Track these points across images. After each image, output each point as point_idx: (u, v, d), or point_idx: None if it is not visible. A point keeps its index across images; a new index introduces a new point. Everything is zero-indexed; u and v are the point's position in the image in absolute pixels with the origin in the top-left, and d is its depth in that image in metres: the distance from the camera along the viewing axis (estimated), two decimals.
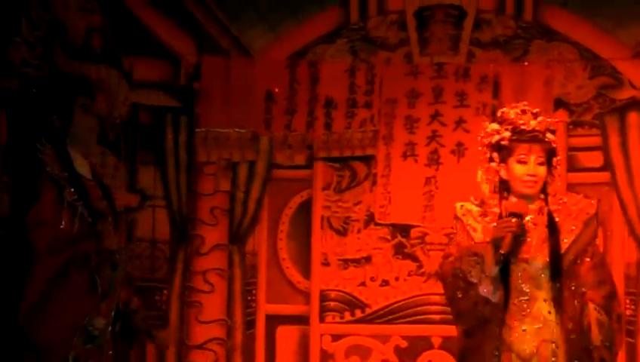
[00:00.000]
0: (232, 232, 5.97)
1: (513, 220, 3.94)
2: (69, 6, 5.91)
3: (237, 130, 5.97)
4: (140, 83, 5.93)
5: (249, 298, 5.95)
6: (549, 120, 4.13)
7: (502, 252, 3.91)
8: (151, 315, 5.85)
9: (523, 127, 4.04)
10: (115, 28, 5.98)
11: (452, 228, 4.25)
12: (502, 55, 5.99)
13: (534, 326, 3.97)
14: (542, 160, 4.03)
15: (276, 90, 5.98)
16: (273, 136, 5.99)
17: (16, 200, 3.95)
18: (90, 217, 3.92)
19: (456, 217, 4.14)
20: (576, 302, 3.98)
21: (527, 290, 3.99)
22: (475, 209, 4.10)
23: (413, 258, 5.94)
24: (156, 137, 5.98)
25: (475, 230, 4.07)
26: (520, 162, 4.03)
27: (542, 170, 4.04)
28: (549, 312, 3.99)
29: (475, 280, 3.94)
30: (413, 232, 5.94)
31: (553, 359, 3.95)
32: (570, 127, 5.91)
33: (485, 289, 3.93)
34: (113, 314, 3.89)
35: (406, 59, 6.02)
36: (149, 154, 5.97)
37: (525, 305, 3.98)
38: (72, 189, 3.90)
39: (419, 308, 5.91)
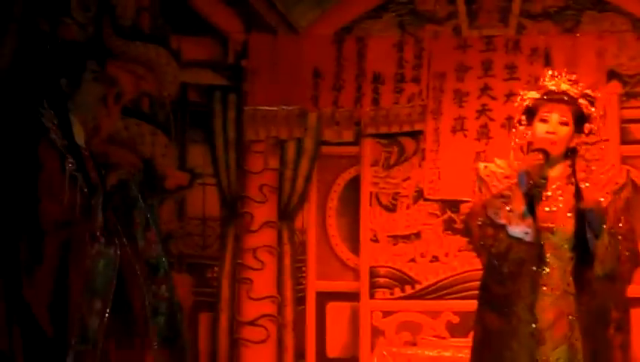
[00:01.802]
0: (281, 209, 5.99)
1: (539, 155, 3.89)
2: None
3: (285, 107, 5.98)
4: (189, 62, 5.95)
5: (299, 275, 5.98)
6: (587, 92, 4.07)
7: (532, 179, 3.83)
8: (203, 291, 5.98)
9: (551, 88, 4.01)
10: (164, 7, 6.01)
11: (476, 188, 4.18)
12: (553, 26, 5.90)
13: (553, 297, 3.92)
14: (565, 120, 3.96)
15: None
16: (321, 113, 5.98)
17: (15, 166, 3.79)
18: (88, 190, 3.79)
19: (480, 178, 4.05)
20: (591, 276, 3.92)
21: (549, 260, 3.94)
22: (500, 171, 4.05)
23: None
24: (205, 116, 6.02)
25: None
26: (542, 120, 3.97)
27: (564, 130, 3.96)
28: (568, 284, 3.93)
29: (503, 221, 3.84)
30: (464, 207, 5.87)
31: (569, 332, 3.91)
32: (624, 98, 5.81)
33: (516, 229, 3.84)
34: (108, 312, 3.74)
35: (455, 32, 5.96)
36: (198, 132, 6.02)
37: (546, 275, 3.93)
38: (72, 159, 3.77)
39: (470, 284, 5.85)
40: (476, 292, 5.68)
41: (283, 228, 5.99)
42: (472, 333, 5.72)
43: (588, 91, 4.06)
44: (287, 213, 6.00)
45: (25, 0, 5.74)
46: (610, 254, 3.92)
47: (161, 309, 3.90)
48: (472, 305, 5.78)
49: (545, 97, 4.00)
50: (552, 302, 3.91)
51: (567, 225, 3.95)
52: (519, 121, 4.06)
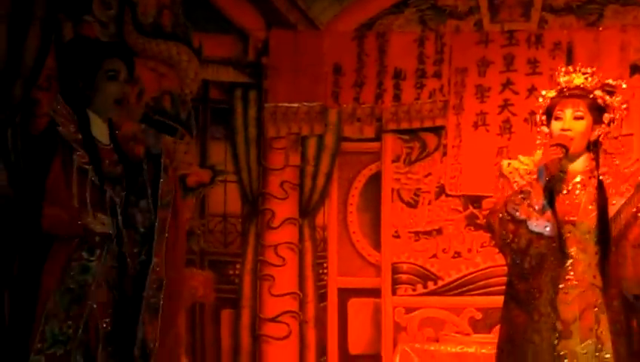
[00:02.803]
0: (303, 206, 5.99)
1: (557, 150, 3.90)
2: None
3: (305, 103, 5.98)
4: (210, 59, 5.97)
5: (320, 271, 5.98)
6: (609, 81, 4.06)
7: (550, 173, 3.85)
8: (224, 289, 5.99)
9: (566, 84, 4.03)
10: (185, 5, 6.03)
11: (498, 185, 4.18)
12: (575, 20, 5.86)
13: (578, 290, 3.91)
14: (580, 114, 3.97)
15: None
16: (342, 109, 5.98)
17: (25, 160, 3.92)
18: (100, 182, 3.82)
19: (502, 174, 4.08)
20: (617, 271, 3.91)
21: (573, 254, 3.92)
22: (523, 167, 4.05)
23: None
24: (226, 113, 6.03)
25: None
26: (557, 118, 4.00)
27: (579, 125, 3.97)
28: (594, 277, 3.92)
29: (523, 216, 3.87)
30: (486, 203, 5.84)
31: (596, 325, 3.89)
32: None
33: (535, 223, 3.86)
34: (84, 318, 3.75)
35: (476, 27, 5.93)
36: (220, 130, 6.03)
37: (570, 269, 3.91)
38: (84, 152, 3.81)
39: (492, 280, 5.84)
40: (499, 288, 5.76)
41: (304, 225, 5.99)
42: (495, 329, 5.79)
43: (608, 81, 4.05)
44: (308, 210, 6.00)
45: None
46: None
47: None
48: (495, 301, 5.80)
49: (560, 94, 4.01)
50: (578, 295, 3.91)
51: (589, 217, 3.95)
52: (541, 121, 4.09)
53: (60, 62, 4.04)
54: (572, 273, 3.93)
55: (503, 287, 5.68)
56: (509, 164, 4.09)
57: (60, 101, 3.90)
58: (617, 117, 4.07)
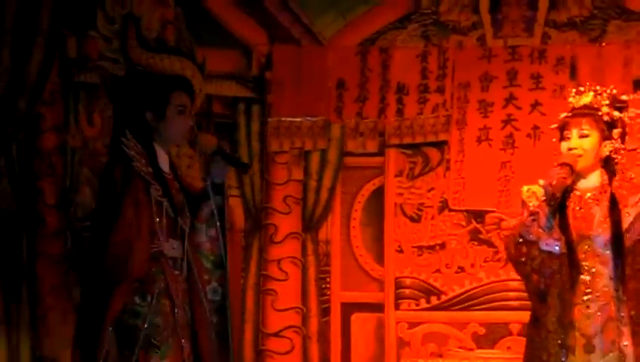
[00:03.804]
0: (306, 221, 5.99)
1: (563, 169, 3.93)
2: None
3: (309, 118, 5.99)
4: (214, 74, 5.94)
5: (323, 286, 5.97)
6: (619, 95, 4.11)
7: (554, 194, 3.88)
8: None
9: (573, 105, 4.09)
10: (189, 20, 6.03)
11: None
12: (578, 36, 5.87)
13: (599, 303, 3.91)
14: (585, 133, 4.02)
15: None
16: (345, 124, 5.98)
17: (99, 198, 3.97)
18: (174, 213, 3.92)
19: (522, 201, 4.12)
20: (635, 282, 3.92)
21: (593, 268, 3.93)
22: (541, 191, 4.05)
23: (489, 244, 5.87)
24: (229, 127, 6.04)
25: None
26: (564, 139, 4.06)
27: (585, 142, 4.02)
28: (616, 289, 3.93)
29: (534, 238, 3.91)
30: (489, 218, 5.87)
31: (618, 338, 3.89)
32: None
33: (545, 243, 3.90)
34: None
35: (479, 42, 5.94)
36: (223, 144, 5.99)
37: (590, 283, 3.92)
38: (158, 185, 3.89)
39: (496, 295, 5.85)
40: (502, 303, 5.85)
41: (307, 240, 5.99)
42: (498, 344, 5.81)
43: (622, 97, 4.09)
44: (311, 224, 6.00)
45: (51, 14, 5.81)
46: None
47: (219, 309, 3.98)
48: (499, 316, 5.83)
49: (569, 115, 4.07)
50: (599, 308, 3.93)
51: (603, 231, 3.97)
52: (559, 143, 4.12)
53: (125, 97, 4.06)
54: (592, 287, 3.94)
55: (507, 302, 5.82)
56: (528, 189, 4.12)
57: (129, 136, 3.93)
58: (620, 130, 4.08)
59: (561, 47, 5.86)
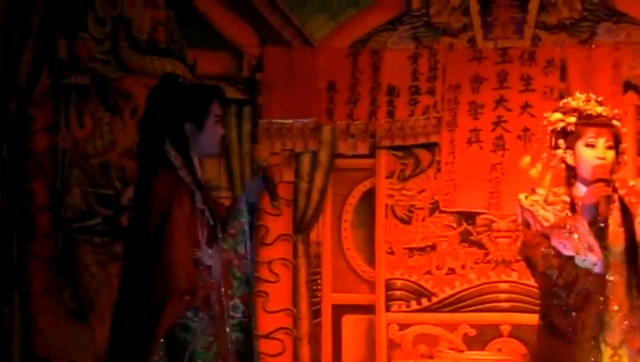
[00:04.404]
0: (296, 222, 5.99)
1: (601, 184, 3.87)
2: (134, 1, 6.01)
3: (299, 120, 5.99)
4: (204, 75, 5.96)
5: (314, 287, 5.97)
6: (615, 111, 4.09)
7: (600, 217, 3.85)
8: None
9: (590, 112, 4.02)
10: (179, 22, 6.05)
11: (516, 219, 4.19)
12: (568, 38, 5.88)
13: (621, 314, 3.90)
14: (610, 144, 3.98)
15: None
16: (336, 126, 5.99)
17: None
18: (213, 222, 3.92)
19: (524, 208, 4.05)
20: None
21: (612, 278, 3.92)
22: (542, 199, 4.04)
23: (480, 245, 5.88)
24: None
25: (547, 220, 4.00)
26: (588, 145, 3.98)
27: (610, 155, 3.98)
28: (636, 298, 3.92)
29: (570, 253, 3.86)
30: (479, 220, 5.88)
31: None
32: None
33: (584, 259, 3.84)
34: None
35: (469, 44, 5.95)
36: None
37: (610, 294, 3.91)
38: (200, 194, 3.88)
39: (486, 296, 5.86)
40: (493, 304, 5.84)
41: (298, 241, 5.99)
42: (489, 345, 5.81)
43: (616, 111, 4.08)
44: (302, 226, 6.00)
45: (42, 15, 5.81)
46: None
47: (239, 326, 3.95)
48: (489, 317, 5.85)
49: (585, 121, 4.00)
50: (622, 318, 3.90)
51: (619, 240, 3.95)
52: (556, 145, 4.04)
53: (163, 107, 3.98)
54: (612, 297, 3.93)
55: (497, 304, 5.82)
56: (526, 196, 4.06)
57: (170, 146, 3.91)
58: (626, 146, 4.10)
59: (551, 49, 5.88)
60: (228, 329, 3.92)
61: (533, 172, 4.08)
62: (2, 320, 5.70)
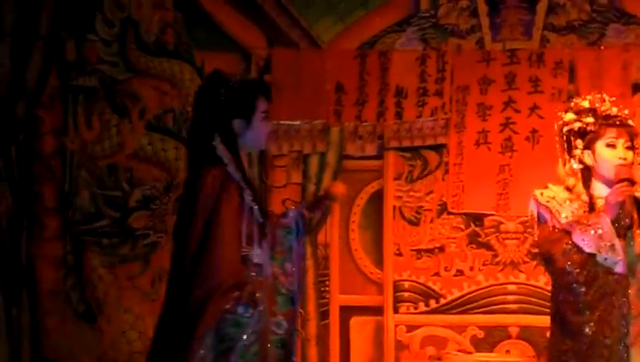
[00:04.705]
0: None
1: (626, 183, 3.88)
2: (142, 3, 6.02)
3: (307, 121, 5.99)
4: None
5: (322, 289, 5.97)
6: (626, 111, 4.10)
7: (625, 216, 3.86)
8: None
9: (608, 112, 4.03)
10: (187, 23, 6.05)
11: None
12: (577, 39, 5.87)
13: (635, 312, 3.91)
14: (629, 144, 4.01)
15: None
16: (344, 127, 5.98)
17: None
18: (263, 219, 3.93)
19: (540, 203, 4.06)
20: None
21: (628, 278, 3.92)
22: (560, 195, 4.04)
23: (488, 247, 5.87)
24: None
25: (565, 216, 4.00)
26: (609, 146, 4.00)
27: (630, 155, 4.01)
28: None
29: (592, 250, 3.86)
30: (488, 221, 5.87)
31: None
32: None
33: (606, 258, 3.85)
34: None
35: (478, 45, 5.94)
36: None
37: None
38: (250, 190, 3.90)
39: (495, 298, 5.85)
40: (501, 306, 5.83)
41: (306, 243, 5.96)
42: (497, 347, 5.80)
43: (626, 111, 4.09)
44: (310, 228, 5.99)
45: (50, 17, 5.82)
46: None
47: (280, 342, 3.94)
48: (497, 319, 5.83)
49: (604, 121, 4.01)
50: (635, 319, 3.91)
51: (636, 240, 3.95)
52: (573, 146, 4.06)
53: (211, 104, 4.00)
54: (628, 296, 3.92)
55: (506, 306, 5.81)
56: (542, 193, 4.08)
57: (220, 142, 3.93)
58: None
59: (559, 51, 5.86)
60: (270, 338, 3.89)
61: (562, 173, 4.08)
62: (11, 321, 5.71)
